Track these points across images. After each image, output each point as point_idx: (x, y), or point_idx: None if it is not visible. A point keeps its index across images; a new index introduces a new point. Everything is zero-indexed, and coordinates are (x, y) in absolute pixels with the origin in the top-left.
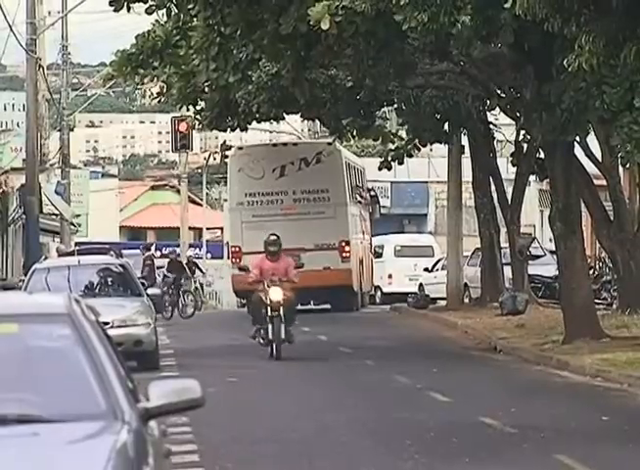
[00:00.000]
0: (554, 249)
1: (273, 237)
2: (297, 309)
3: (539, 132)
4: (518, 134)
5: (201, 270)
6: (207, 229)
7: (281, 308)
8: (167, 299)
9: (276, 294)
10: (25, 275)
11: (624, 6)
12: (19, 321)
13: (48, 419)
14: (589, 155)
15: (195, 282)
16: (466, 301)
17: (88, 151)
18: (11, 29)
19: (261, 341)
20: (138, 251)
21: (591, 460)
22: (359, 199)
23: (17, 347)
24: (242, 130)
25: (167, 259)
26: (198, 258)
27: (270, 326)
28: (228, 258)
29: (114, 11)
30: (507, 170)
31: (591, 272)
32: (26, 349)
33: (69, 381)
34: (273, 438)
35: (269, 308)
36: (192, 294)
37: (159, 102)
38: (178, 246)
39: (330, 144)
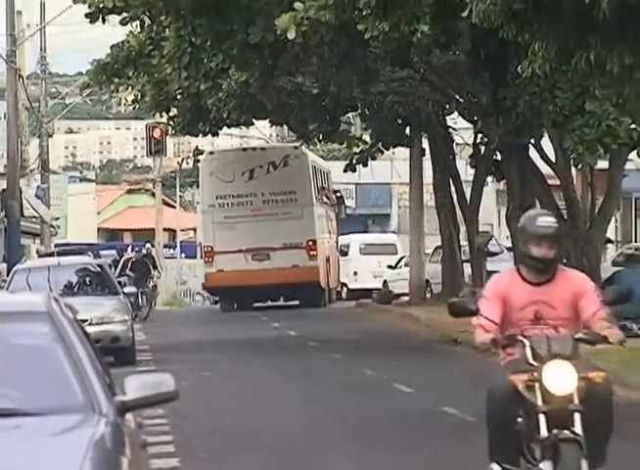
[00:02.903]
0: (510, 246)
1: (546, 221)
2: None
3: (496, 135)
4: (475, 137)
5: (156, 267)
6: (181, 230)
7: (577, 419)
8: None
9: (564, 378)
10: (7, 276)
11: (575, 15)
12: (0, 320)
13: (29, 412)
14: (543, 156)
15: (152, 280)
16: (428, 296)
17: (67, 156)
18: None
19: None
20: (114, 251)
21: None
22: (325, 200)
23: None
24: (213, 136)
25: (132, 259)
26: (171, 257)
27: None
28: (201, 257)
29: (90, 22)
30: (466, 172)
31: None
32: (7, 345)
33: (49, 376)
34: (246, 429)
35: (544, 418)
36: (146, 294)
37: (133, 109)
38: (146, 243)
39: (297, 148)
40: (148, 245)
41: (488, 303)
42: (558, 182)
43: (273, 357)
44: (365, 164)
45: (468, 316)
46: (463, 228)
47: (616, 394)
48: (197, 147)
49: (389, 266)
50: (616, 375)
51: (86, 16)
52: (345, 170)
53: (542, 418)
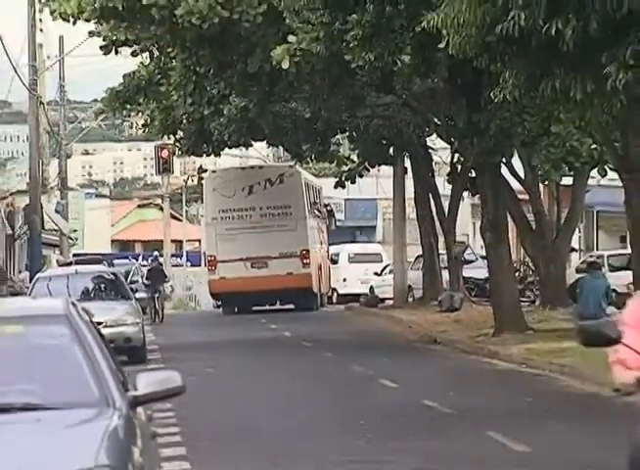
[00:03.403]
0: (485, 254)
1: None
2: None
3: (471, 155)
4: (452, 157)
5: (165, 276)
6: (187, 241)
7: None
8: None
9: None
10: (30, 283)
11: (542, 47)
12: (23, 323)
13: (49, 407)
14: (514, 173)
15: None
16: (410, 300)
17: (83, 175)
18: (15, 72)
19: None
20: (127, 260)
21: (518, 436)
22: (317, 213)
23: (22, 344)
24: (215, 156)
25: (148, 267)
26: (178, 265)
27: None
28: (205, 265)
29: (104, 54)
30: (444, 188)
31: (517, 274)
32: (30, 346)
33: (67, 374)
34: (246, 420)
35: None
36: (162, 299)
37: (143, 132)
38: (154, 252)
39: (291, 167)
40: (156, 253)
41: (632, 331)
42: (527, 197)
43: (271, 356)
44: (353, 181)
45: (604, 346)
46: (441, 238)
47: (575, 386)
48: (201, 166)
49: (375, 273)
50: (576, 369)
51: (100, 48)
52: (335, 187)
53: None
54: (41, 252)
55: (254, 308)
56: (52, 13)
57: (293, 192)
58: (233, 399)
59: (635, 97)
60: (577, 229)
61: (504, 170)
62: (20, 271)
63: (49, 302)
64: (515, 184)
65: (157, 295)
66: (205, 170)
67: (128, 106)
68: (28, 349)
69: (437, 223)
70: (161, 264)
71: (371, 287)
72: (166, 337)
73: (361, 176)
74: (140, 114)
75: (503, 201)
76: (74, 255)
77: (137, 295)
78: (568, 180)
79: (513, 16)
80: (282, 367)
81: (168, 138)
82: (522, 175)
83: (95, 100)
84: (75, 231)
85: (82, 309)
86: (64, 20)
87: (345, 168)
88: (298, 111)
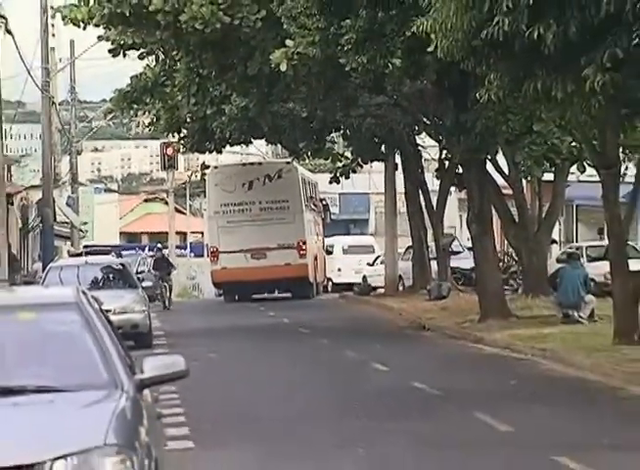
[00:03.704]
0: (471, 246)
1: None
2: None
3: (458, 152)
4: (440, 154)
5: (171, 265)
6: (191, 233)
7: None
8: (157, 292)
9: None
10: (43, 272)
11: (524, 50)
12: (36, 310)
13: (61, 389)
14: (498, 170)
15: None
16: (400, 289)
17: (93, 171)
18: (29, 74)
19: None
20: (134, 251)
21: (502, 415)
22: (313, 207)
23: (35, 330)
24: (217, 153)
25: (155, 257)
26: (182, 256)
27: None
28: (208, 256)
29: (113, 57)
30: (432, 183)
31: (501, 264)
32: (43, 332)
33: (78, 358)
34: (247, 403)
35: None
36: (169, 287)
37: (149, 130)
38: (158, 244)
39: (289, 163)
40: (159, 245)
41: None
42: (511, 191)
43: (270, 342)
44: (347, 177)
45: None
46: (430, 231)
47: (556, 370)
48: (204, 162)
49: (368, 264)
50: (556, 353)
51: (109, 51)
52: (330, 182)
53: None
54: (53, 243)
55: (254, 297)
56: (63, 18)
57: (290, 187)
58: (234, 384)
59: (612, 97)
60: (558, 222)
61: (489, 167)
62: (33, 261)
63: (60, 290)
64: (499, 180)
65: (164, 283)
66: (208, 167)
67: (135, 106)
68: (41, 334)
69: (426, 216)
70: (164, 254)
71: (364, 276)
72: (171, 323)
73: (355, 172)
74: (146, 113)
75: (488, 195)
76: (84, 246)
77: (144, 283)
78: (549, 176)
79: (497, 21)
80: (281, 353)
81: (173, 136)
82: (506, 171)
83: (104, 100)
84: (85, 224)
85: (92, 298)
86: (74, 25)
87: (340, 165)
88: (296, 110)
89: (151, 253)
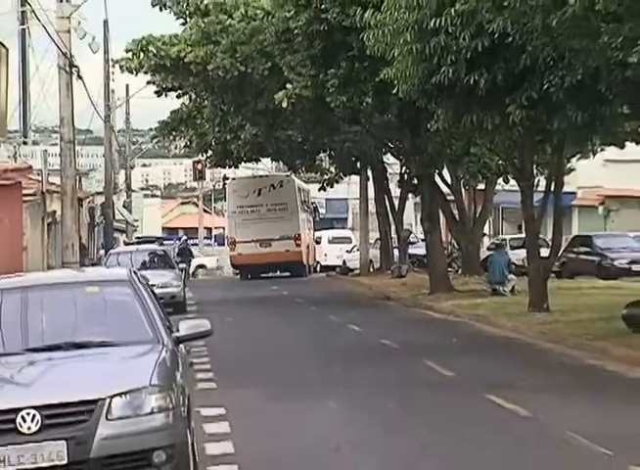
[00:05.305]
0: (423, 238)
1: None
2: None
3: (414, 168)
4: (401, 169)
5: (191, 254)
6: (215, 228)
7: None
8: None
9: None
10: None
11: (463, 93)
12: (99, 285)
13: (117, 343)
14: (444, 181)
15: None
16: (371, 270)
17: (142, 181)
18: (95, 109)
19: None
20: (172, 241)
21: (446, 363)
22: (306, 208)
23: (98, 300)
24: (235, 168)
25: (180, 246)
26: (209, 245)
27: None
28: (227, 245)
29: (157, 96)
30: (395, 191)
31: (446, 252)
32: (104, 301)
33: (130, 321)
34: (256, 354)
35: None
36: (188, 270)
37: (184, 151)
38: (184, 237)
39: (288, 176)
40: (184, 237)
41: None
42: (453, 197)
43: (273, 308)
44: (332, 186)
45: None
46: (393, 227)
47: (487, 330)
48: (225, 175)
49: (347, 251)
50: (487, 318)
51: (155, 92)
52: (319, 190)
53: None
54: (113, 235)
55: (262, 275)
56: (121, 68)
57: (289, 194)
58: (246, 340)
59: (528, 128)
60: (488, 220)
61: (437, 179)
62: (98, 249)
63: (117, 270)
64: (445, 188)
65: (183, 267)
66: (228, 178)
67: (174, 133)
68: (103, 303)
69: (390, 216)
70: (187, 245)
71: (344, 260)
72: (200, 295)
73: (337, 182)
74: (182, 138)
75: (436, 200)
76: (136, 237)
77: (180, 265)
78: (482, 186)
79: (443, 71)
80: (281, 316)
81: (202, 155)
82: (450, 182)
83: (150, 128)
84: (137, 221)
85: (141, 276)
86: (129, 72)
87: (326, 177)
88: (293, 136)
89: (178, 242)
